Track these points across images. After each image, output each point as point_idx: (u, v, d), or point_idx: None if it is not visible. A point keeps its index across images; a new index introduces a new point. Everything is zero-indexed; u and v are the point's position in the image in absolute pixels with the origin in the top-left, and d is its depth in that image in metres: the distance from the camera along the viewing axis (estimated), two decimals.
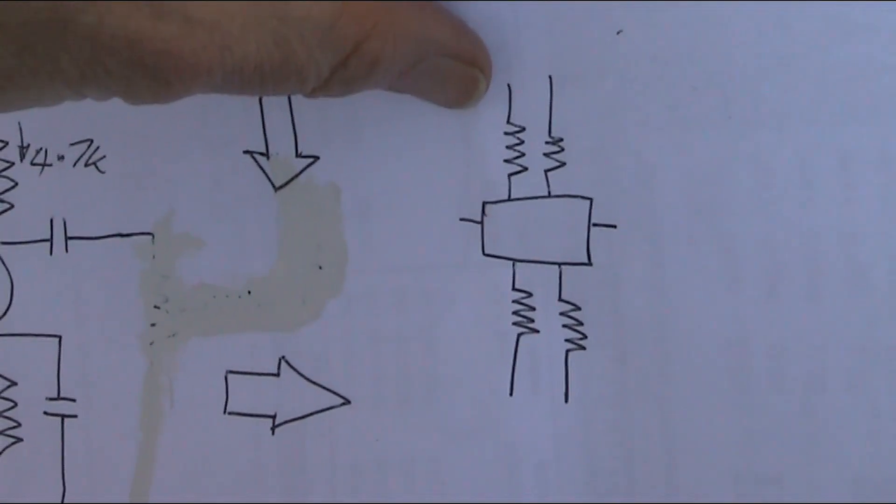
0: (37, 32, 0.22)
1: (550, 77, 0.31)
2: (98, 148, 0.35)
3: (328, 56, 0.26)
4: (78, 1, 0.22)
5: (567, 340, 0.32)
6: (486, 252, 0.33)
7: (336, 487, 0.34)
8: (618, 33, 0.31)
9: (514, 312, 0.32)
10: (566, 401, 0.32)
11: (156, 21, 0.23)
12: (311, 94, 0.27)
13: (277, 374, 0.34)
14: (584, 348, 0.32)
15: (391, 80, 0.29)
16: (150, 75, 0.23)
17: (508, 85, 0.32)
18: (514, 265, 0.32)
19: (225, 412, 0.34)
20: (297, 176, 0.34)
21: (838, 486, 0.31)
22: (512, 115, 0.32)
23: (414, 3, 0.29)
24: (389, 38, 0.27)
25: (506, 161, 0.32)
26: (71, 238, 0.35)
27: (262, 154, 0.34)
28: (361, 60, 0.27)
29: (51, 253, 0.35)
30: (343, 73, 0.27)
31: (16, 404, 0.36)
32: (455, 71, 0.31)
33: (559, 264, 0.32)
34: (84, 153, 0.35)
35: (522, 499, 0.33)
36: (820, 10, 0.30)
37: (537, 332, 0.32)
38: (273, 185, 0.34)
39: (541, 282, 0.32)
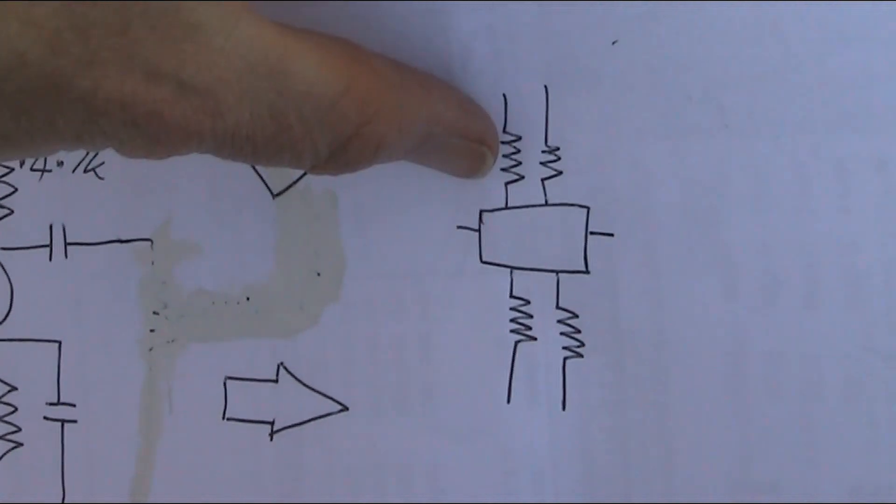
0: (33, 97, 0.22)
1: (546, 86, 0.31)
2: (97, 154, 0.35)
3: (327, 137, 0.25)
4: (74, 66, 0.22)
5: (565, 348, 0.32)
6: (484, 259, 0.33)
7: (334, 493, 0.34)
8: (613, 43, 0.31)
9: (512, 320, 0.32)
10: (563, 408, 0.32)
11: (149, 84, 0.23)
12: (312, 171, 0.27)
13: (276, 381, 0.34)
14: (581, 356, 0.32)
15: (395, 159, 0.28)
16: (143, 135, 0.23)
17: (504, 94, 0.32)
18: (511, 273, 0.32)
19: (223, 418, 0.35)
20: (294, 183, 0.34)
21: (835, 493, 0.31)
22: (508, 125, 0.32)
23: (421, 81, 0.29)
24: (394, 123, 0.26)
25: (502, 170, 0.32)
26: (70, 244, 0.35)
27: None
28: (363, 144, 0.26)
29: (50, 258, 0.35)
30: (343, 156, 0.26)
31: (16, 409, 0.36)
32: (462, 149, 0.30)
33: (557, 272, 0.32)
34: (83, 159, 0.35)
35: None
36: (816, 18, 0.29)
37: (535, 339, 0.32)
38: (271, 192, 0.34)
39: (538, 289, 0.32)
